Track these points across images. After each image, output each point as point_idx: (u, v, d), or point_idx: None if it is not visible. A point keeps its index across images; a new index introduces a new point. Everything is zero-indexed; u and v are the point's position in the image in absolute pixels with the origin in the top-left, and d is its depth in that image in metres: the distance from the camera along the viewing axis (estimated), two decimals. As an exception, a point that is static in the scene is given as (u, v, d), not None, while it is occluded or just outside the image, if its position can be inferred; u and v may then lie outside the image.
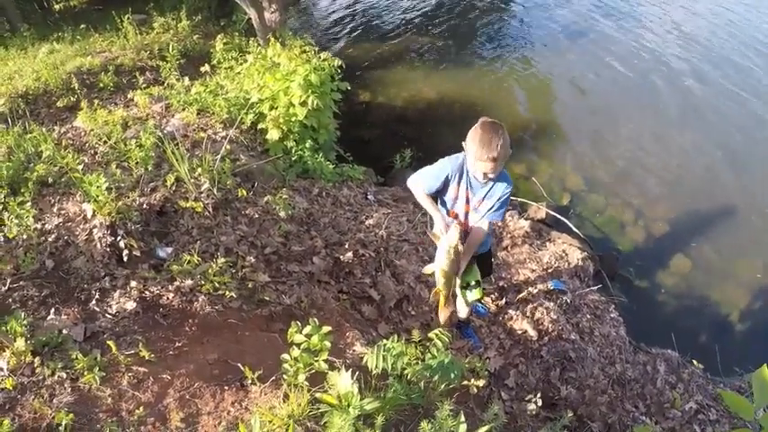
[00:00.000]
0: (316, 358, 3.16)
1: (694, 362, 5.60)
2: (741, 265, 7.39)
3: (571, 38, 13.16)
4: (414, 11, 14.61)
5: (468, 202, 3.75)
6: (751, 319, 6.75)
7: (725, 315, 6.80)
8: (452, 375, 3.34)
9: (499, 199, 3.68)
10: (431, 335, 3.52)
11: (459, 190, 3.71)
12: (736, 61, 12.38)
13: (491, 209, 3.73)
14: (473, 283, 4.16)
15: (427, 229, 4.01)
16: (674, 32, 13.62)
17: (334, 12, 14.93)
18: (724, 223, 7.99)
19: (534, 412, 4.27)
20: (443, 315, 4.04)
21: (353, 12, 14.74)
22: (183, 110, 6.47)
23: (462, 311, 4.70)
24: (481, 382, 3.65)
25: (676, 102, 10.67)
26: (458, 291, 4.20)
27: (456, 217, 3.82)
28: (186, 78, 7.36)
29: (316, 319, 3.25)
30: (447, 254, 3.60)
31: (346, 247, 5.16)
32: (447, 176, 3.64)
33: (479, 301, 4.92)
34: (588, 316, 5.65)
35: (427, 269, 3.86)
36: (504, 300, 5.47)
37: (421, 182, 3.74)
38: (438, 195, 3.85)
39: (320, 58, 6.77)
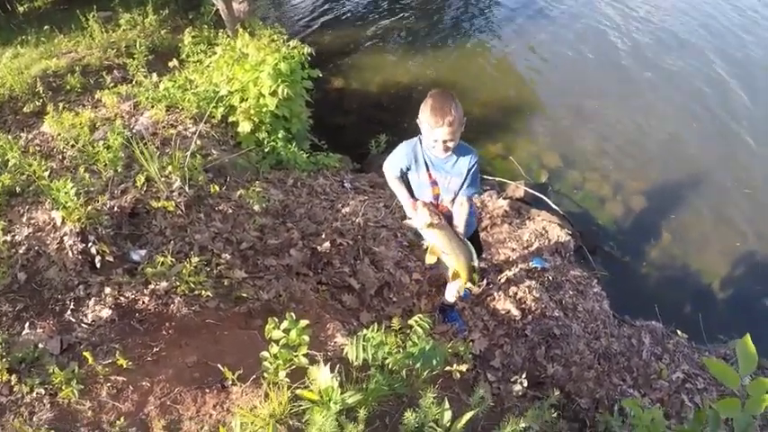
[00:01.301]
0: (295, 353, 3.12)
1: (679, 332, 5.62)
2: (720, 234, 7.44)
3: (542, 15, 13.13)
4: None
5: (435, 183, 3.72)
6: (732, 287, 6.80)
7: (707, 284, 6.85)
8: (435, 362, 3.32)
9: (468, 172, 3.66)
10: (411, 322, 3.49)
11: (421, 175, 3.70)
12: (712, 31, 12.46)
13: (463, 185, 3.71)
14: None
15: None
16: (644, 6, 13.63)
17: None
18: (701, 194, 8.03)
19: (521, 393, 4.26)
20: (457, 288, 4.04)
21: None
22: (152, 107, 6.34)
23: (450, 295, 4.67)
24: (464, 367, 3.61)
25: (650, 74, 10.70)
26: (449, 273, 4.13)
27: (431, 203, 3.78)
28: (154, 75, 7.20)
29: (293, 314, 3.21)
30: (432, 234, 3.57)
31: (323, 237, 5.09)
32: (406, 161, 3.66)
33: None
34: (571, 292, 5.65)
35: (428, 260, 3.83)
36: (485, 280, 5.44)
37: (388, 167, 3.78)
38: (407, 185, 3.84)
39: (289, 46, 6.66)
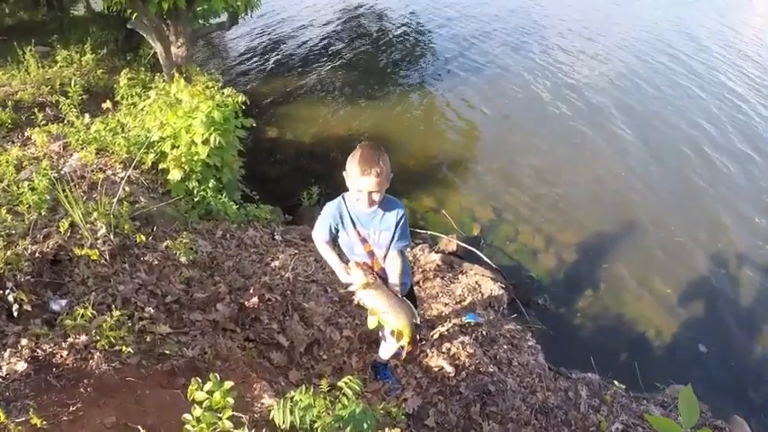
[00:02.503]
0: (219, 416, 2.99)
1: (615, 382, 5.69)
2: (651, 282, 7.64)
3: (478, 70, 13.70)
4: (323, 46, 14.87)
5: (365, 240, 3.67)
6: (666, 334, 6.96)
7: (641, 332, 6.98)
8: (365, 425, 3.22)
9: (397, 225, 3.62)
10: (341, 383, 3.39)
11: (350, 233, 3.64)
12: (636, 87, 13.13)
13: (393, 239, 3.66)
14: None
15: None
16: (579, 59, 14.41)
17: (244, 46, 15.01)
18: (632, 243, 8.29)
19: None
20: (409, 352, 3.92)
21: (264, 46, 14.82)
22: (82, 149, 6.19)
23: (383, 353, 4.58)
24: (397, 431, 3.52)
25: (580, 127, 11.17)
26: (387, 332, 4.05)
27: (364, 263, 3.71)
28: (87, 115, 7.06)
29: (217, 374, 3.08)
30: (369, 294, 3.49)
31: (251, 291, 4.97)
32: (333, 221, 3.61)
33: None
34: (505, 346, 5.63)
35: (370, 324, 3.74)
36: (417, 337, 5.39)
37: (317, 233, 3.73)
38: (338, 248, 3.79)
39: (223, 94, 6.63)
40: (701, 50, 16.06)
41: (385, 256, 3.76)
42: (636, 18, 18.60)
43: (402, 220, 3.63)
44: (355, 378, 3.42)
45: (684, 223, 8.73)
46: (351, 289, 3.64)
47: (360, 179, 3.30)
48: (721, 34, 17.97)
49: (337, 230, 3.66)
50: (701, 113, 12.25)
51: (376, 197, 3.39)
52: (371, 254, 3.74)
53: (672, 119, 11.88)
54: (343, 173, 3.44)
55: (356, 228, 3.62)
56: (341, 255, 3.83)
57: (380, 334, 4.29)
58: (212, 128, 6.19)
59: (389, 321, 3.62)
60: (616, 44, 15.82)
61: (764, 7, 21.89)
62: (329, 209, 3.61)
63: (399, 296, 3.69)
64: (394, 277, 3.75)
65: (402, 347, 3.89)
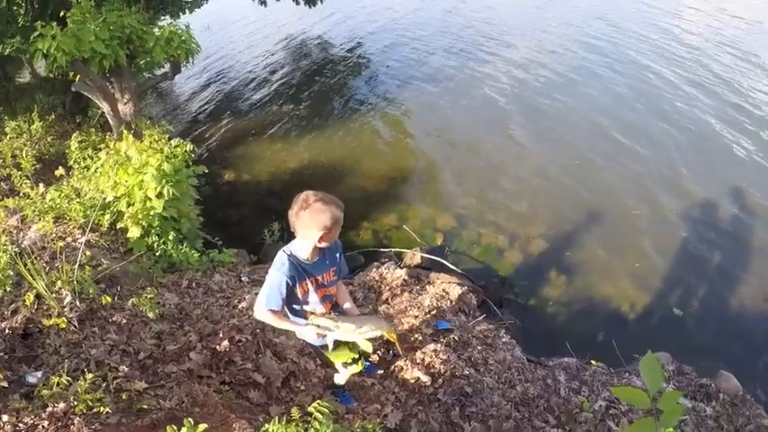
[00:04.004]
0: (199, 460, 3.08)
1: (593, 362, 5.83)
2: (618, 260, 7.84)
3: (417, 87, 14.10)
4: (270, 82, 15.02)
5: (319, 287, 3.65)
6: (639, 305, 7.16)
7: (614, 309, 7.17)
8: (340, 448, 3.32)
9: (340, 255, 3.72)
10: (310, 408, 3.47)
11: (307, 285, 3.58)
12: (572, 76, 13.57)
13: (340, 270, 3.75)
14: (349, 361, 4.10)
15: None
16: (509, 65, 14.75)
17: (192, 92, 15.15)
18: (592, 225, 8.52)
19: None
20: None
21: (212, 92, 14.98)
22: (40, 220, 6.21)
23: (339, 380, 4.61)
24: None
25: (520, 127, 11.51)
26: (339, 365, 4.16)
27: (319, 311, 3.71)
28: (41, 185, 7.07)
29: (191, 419, 3.17)
30: (342, 329, 3.56)
31: (221, 335, 5.02)
32: (289, 282, 3.45)
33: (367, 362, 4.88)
34: (479, 347, 5.75)
35: (366, 348, 3.83)
36: (391, 353, 5.50)
37: (270, 303, 3.48)
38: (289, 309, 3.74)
39: (171, 145, 6.68)
40: (625, 39, 16.60)
41: (335, 294, 3.85)
42: (562, 18, 18.97)
43: (341, 252, 3.73)
44: (325, 401, 3.52)
45: (638, 196, 9.00)
46: (326, 338, 3.66)
47: (339, 215, 3.25)
48: (646, 17, 18.46)
49: (292, 290, 3.53)
50: (629, 95, 12.70)
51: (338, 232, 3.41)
52: (325, 298, 3.73)
53: (604, 104, 12.27)
54: (302, 228, 3.29)
55: (311, 277, 3.58)
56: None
57: (336, 366, 4.30)
58: (164, 181, 6.25)
59: (371, 334, 3.70)
60: (548, 45, 16.22)
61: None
62: (283, 270, 3.42)
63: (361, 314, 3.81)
64: (350, 302, 3.89)
65: (394, 345, 3.97)
